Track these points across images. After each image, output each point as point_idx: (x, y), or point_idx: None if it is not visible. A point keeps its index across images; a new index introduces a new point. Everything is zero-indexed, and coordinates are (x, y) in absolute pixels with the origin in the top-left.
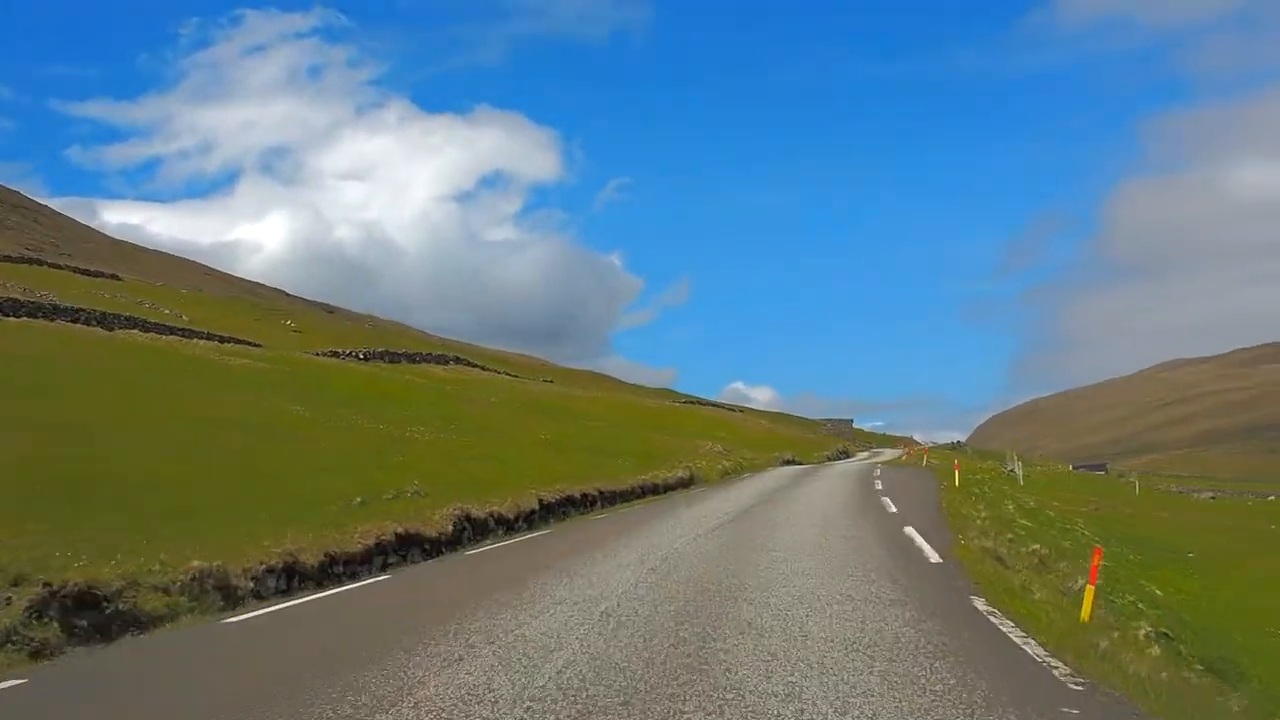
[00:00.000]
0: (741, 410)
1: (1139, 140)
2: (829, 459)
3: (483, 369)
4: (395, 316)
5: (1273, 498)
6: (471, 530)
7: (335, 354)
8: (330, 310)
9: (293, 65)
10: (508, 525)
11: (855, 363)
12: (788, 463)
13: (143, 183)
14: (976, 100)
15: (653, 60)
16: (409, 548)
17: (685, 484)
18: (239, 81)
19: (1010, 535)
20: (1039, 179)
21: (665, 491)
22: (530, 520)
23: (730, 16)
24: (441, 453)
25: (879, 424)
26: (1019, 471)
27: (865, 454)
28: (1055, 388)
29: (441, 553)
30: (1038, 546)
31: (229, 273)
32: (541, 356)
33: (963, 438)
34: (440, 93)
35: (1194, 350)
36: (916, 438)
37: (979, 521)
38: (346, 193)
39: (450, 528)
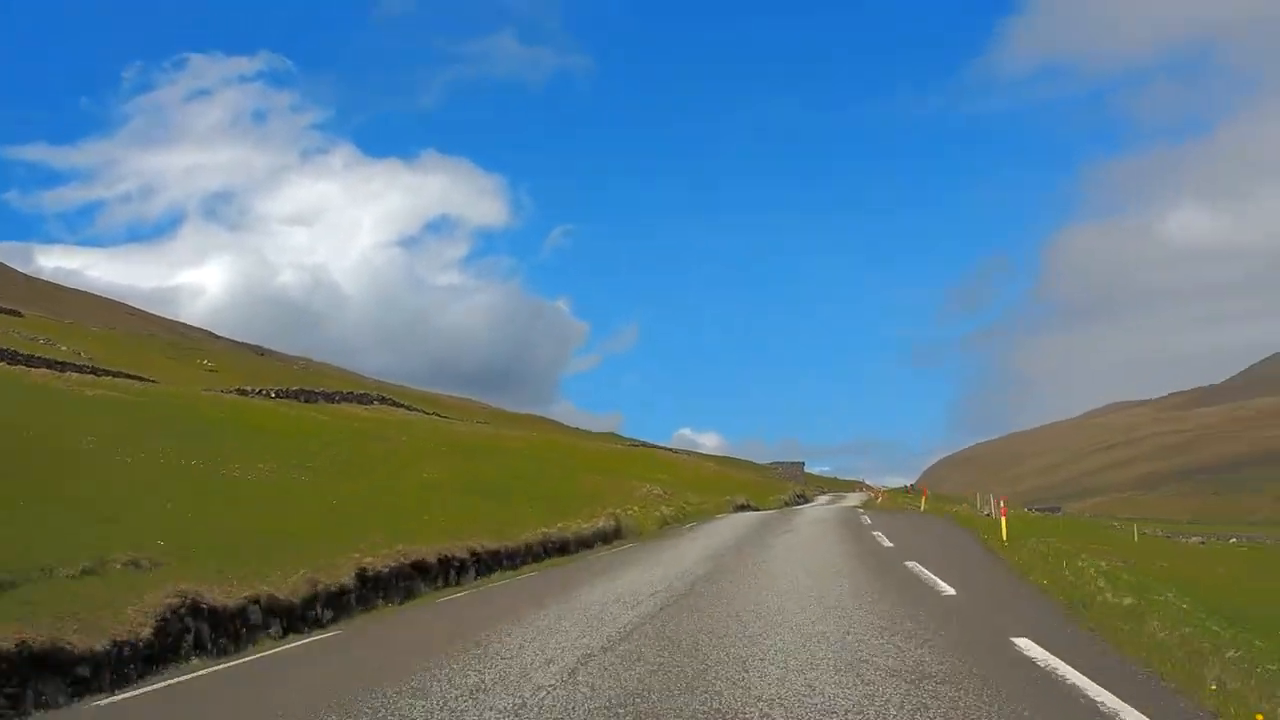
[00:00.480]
0: (689, 453)
1: (1079, 186)
2: (787, 503)
3: (409, 409)
4: (339, 361)
5: (1234, 540)
6: (196, 633)
7: (243, 392)
8: (262, 352)
9: (237, 109)
10: (285, 615)
11: (802, 408)
12: (741, 508)
13: (82, 227)
14: (920, 146)
15: (597, 107)
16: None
17: (609, 537)
18: (182, 125)
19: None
20: (981, 224)
21: (578, 549)
22: (336, 604)
23: (673, 64)
24: (258, 498)
25: (827, 469)
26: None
27: (825, 498)
28: (999, 431)
29: (89, 687)
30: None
31: (164, 315)
32: (486, 401)
33: (910, 481)
34: (385, 138)
35: (1132, 394)
36: (867, 481)
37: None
38: (291, 237)
39: (149, 631)
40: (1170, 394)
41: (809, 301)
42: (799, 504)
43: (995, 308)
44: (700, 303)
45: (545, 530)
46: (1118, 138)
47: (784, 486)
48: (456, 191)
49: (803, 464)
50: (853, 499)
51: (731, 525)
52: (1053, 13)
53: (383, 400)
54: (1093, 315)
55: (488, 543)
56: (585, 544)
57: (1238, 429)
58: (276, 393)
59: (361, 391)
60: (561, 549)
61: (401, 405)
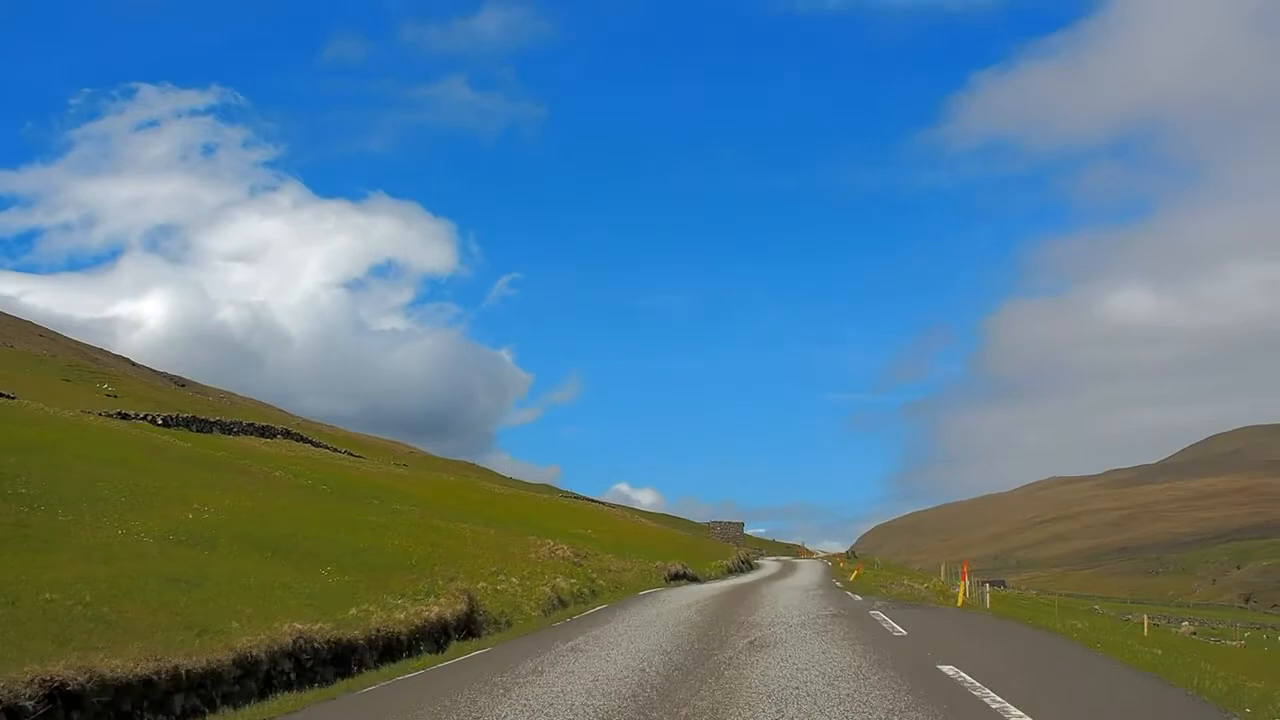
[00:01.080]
0: (625, 509)
1: (1021, 262)
2: (730, 570)
3: (316, 445)
4: (276, 401)
5: (1186, 624)
6: None
7: (124, 415)
8: (182, 384)
9: (186, 142)
10: None
11: (740, 469)
12: (677, 577)
13: (20, 254)
14: (867, 215)
15: (548, 157)
16: None
17: (446, 631)
18: (129, 156)
19: None
20: (924, 296)
21: (373, 655)
22: None
23: (624, 117)
24: None
25: (763, 530)
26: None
27: (772, 563)
28: (936, 501)
29: None
30: None
31: (85, 342)
32: (420, 447)
33: (844, 547)
34: (335, 178)
35: (1071, 470)
36: (806, 545)
37: None
38: (234, 274)
39: None
40: (1109, 471)
41: (752, 362)
42: (743, 570)
43: (935, 379)
44: (644, 358)
45: (309, 626)
46: (1061, 217)
47: (721, 551)
48: (405, 235)
49: (742, 524)
50: (807, 568)
51: (660, 615)
52: (999, 92)
53: (290, 435)
54: (1032, 391)
55: (191, 660)
56: (394, 645)
57: (1175, 509)
58: (165, 420)
59: (267, 424)
60: (337, 659)
61: (310, 441)
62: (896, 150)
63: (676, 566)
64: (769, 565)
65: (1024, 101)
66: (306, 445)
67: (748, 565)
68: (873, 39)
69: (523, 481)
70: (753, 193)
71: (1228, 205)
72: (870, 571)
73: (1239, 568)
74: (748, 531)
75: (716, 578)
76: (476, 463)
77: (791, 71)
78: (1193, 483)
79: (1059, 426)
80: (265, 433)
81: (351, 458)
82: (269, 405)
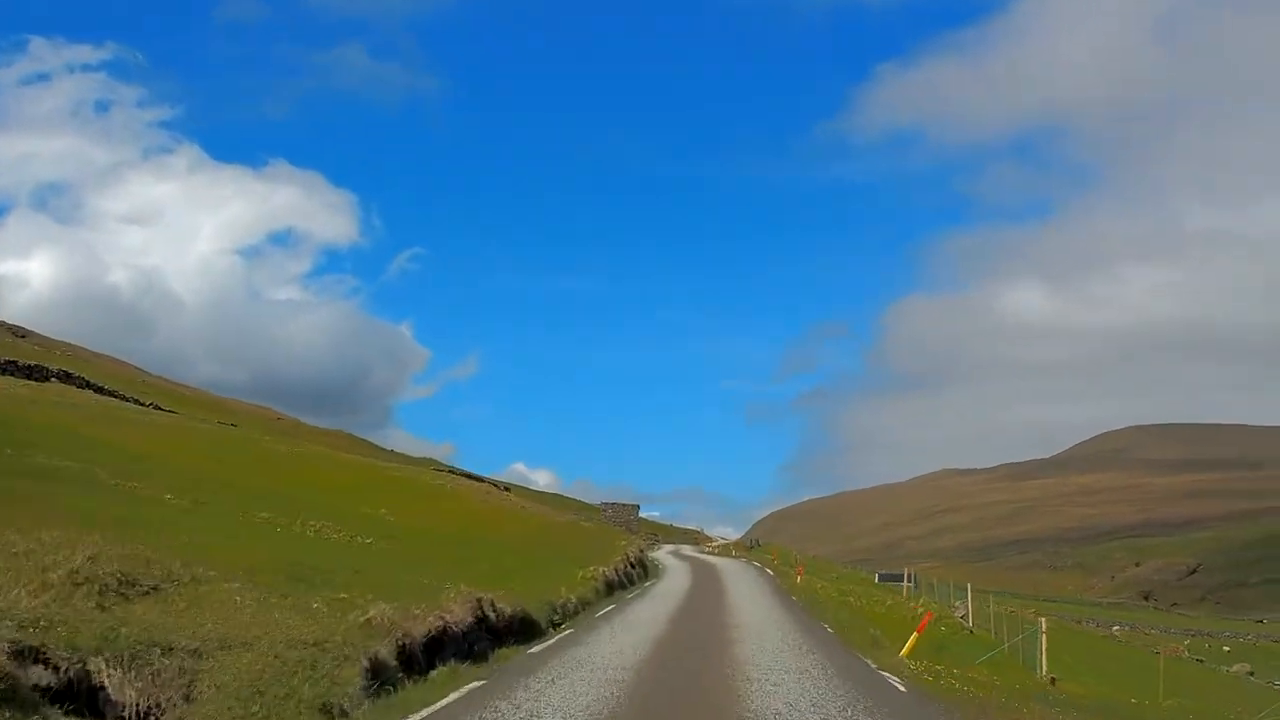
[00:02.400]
0: (506, 488)
1: (918, 258)
2: (612, 584)
3: (101, 391)
4: (169, 370)
5: (1117, 627)
6: None
7: None
8: (22, 334)
9: (78, 99)
10: None
11: (636, 453)
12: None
13: None
14: (766, 206)
15: (451, 131)
16: None
17: None
18: (16, 111)
19: None
20: (820, 288)
21: None
22: None
23: (526, 98)
24: None
25: (657, 514)
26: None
27: (672, 557)
28: (830, 490)
29: None
30: None
31: None
32: (310, 421)
33: (739, 533)
34: (234, 143)
35: (964, 463)
36: (706, 531)
37: None
38: (126, 237)
39: None
40: (1001, 464)
41: (652, 348)
42: (631, 583)
43: (830, 371)
44: (544, 339)
45: None
46: (960, 214)
47: (611, 538)
48: (306, 205)
49: (637, 507)
50: (734, 574)
51: None
52: (903, 85)
53: (67, 378)
54: (926, 385)
55: None
56: None
57: (1065, 504)
58: None
59: (39, 364)
60: None
61: (94, 388)
62: (798, 141)
63: (470, 603)
64: (669, 562)
65: (927, 96)
66: (89, 392)
67: (641, 571)
68: (776, 28)
69: (400, 454)
70: (656, 179)
71: (1124, 208)
72: (820, 579)
73: (1138, 565)
74: (643, 515)
75: (577, 608)
76: (359, 434)
77: (695, 57)
78: (1082, 479)
79: (953, 421)
80: (38, 374)
81: (139, 407)
82: (125, 363)
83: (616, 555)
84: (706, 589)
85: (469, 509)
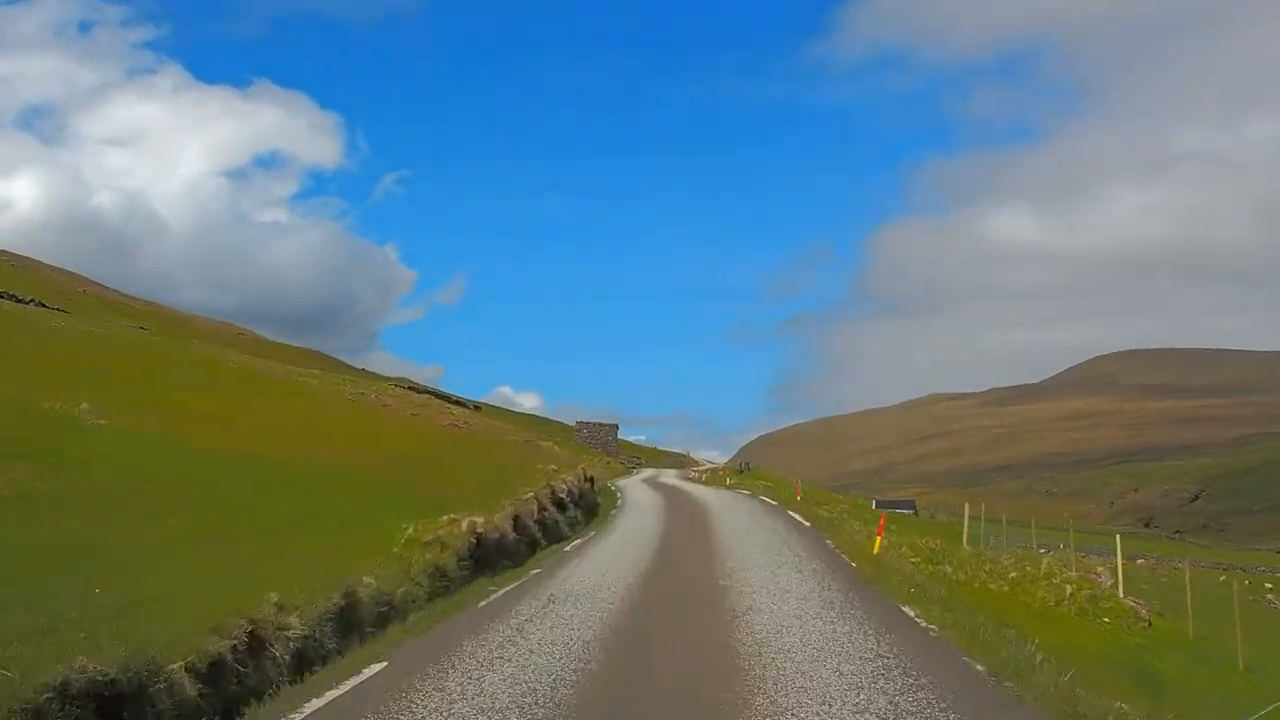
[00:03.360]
0: (476, 407)
1: (906, 181)
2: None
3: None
4: (157, 294)
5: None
6: None
7: None
8: None
9: (60, 19)
10: None
11: (621, 376)
12: None
13: None
14: (754, 127)
15: (438, 52)
16: None
17: None
18: None
19: None
20: (808, 211)
21: None
22: None
23: (510, 18)
24: None
25: (643, 437)
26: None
27: (646, 488)
28: (815, 415)
29: None
30: None
31: None
32: (285, 340)
33: (725, 457)
34: (219, 63)
35: (952, 388)
36: (693, 454)
37: None
38: (110, 158)
39: None
40: (990, 389)
41: (637, 270)
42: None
43: (817, 295)
44: (530, 262)
45: None
46: (947, 136)
47: (584, 458)
48: (291, 126)
49: (616, 428)
50: (739, 512)
51: None
52: (890, 1)
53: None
54: (915, 309)
55: None
56: None
57: (1056, 429)
58: None
59: None
60: None
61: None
62: (785, 61)
63: None
64: (638, 496)
65: (915, 12)
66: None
67: (578, 515)
68: None
69: (370, 373)
70: (641, 100)
71: (1112, 129)
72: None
73: (1136, 491)
74: (626, 438)
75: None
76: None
77: None
78: (1072, 403)
79: (941, 345)
80: None
81: (17, 305)
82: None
83: (526, 489)
84: (685, 566)
85: (311, 415)
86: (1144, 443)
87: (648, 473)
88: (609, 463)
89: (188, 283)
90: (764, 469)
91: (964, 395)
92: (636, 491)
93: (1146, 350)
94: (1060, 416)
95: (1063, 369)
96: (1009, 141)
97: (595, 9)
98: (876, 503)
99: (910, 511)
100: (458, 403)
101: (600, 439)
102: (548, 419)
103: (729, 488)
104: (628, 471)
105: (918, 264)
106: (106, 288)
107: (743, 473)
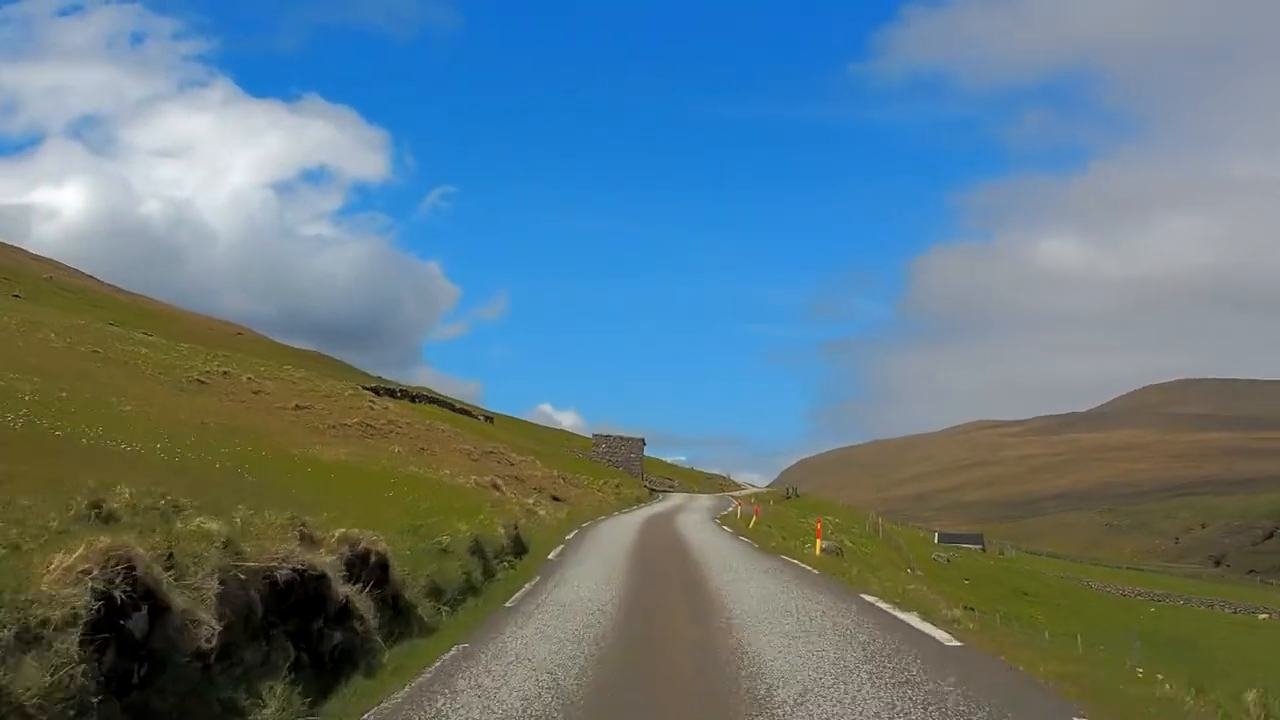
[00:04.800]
0: (488, 418)
1: (951, 205)
2: None
3: None
4: (194, 303)
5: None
6: None
7: None
8: None
9: (112, 30)
10: None
11: (660, 394)
12: None
13: None
14: (797, 150)
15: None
16: None
17: None
18: (51, 41)
19: None
20: (851, 233)
21: None
22: None
23: (553, 42)
24: None
25: (682, 458)
26: None
27: (664, 505)
28: (858, 439)
29: None
30: None
31: None
32: (327, 352)
33: (766, 480)
34: (268, 77)
35: (996, 414)
36: (734, 477)
37: None
38: (159, 169)
39: None
40: (1038, 416)
41: (677, 291)
42: None
43: (861, 318)
44: (573, 281)
45: None
46: (993, 161)
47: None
48: (338, 141)
49: (642, 442)
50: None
51: None
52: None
53: None
54: (958, 334)
55: None
56: None
57: (1111, 458)
58: None
59: None
60: None
61: None
62: (827, 84)
63: None
64: (614, 553)
65: (959, 36)
66: None
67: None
68: None
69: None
70: (683, 120)
71: (1162, 156)
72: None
73: (1204, 526)
74: (662, 457)
75: None
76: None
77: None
78: (1123, 432)
79: (984, 371)
80: None
81: None
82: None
83: None
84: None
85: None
86: (1200, 475)
87: (671, 502)
88: (618, 486)
89: (229, 290)
90: (811, 496)
91: (1010, 422)
92: (601, 551)
93: (1196, 380)
94: (1111, 446)
95: (1110, 398)
96: (1056, 167)
97: (639, 30)
98: (939, 537)
99: (978, 547)
100: (466, 411)
101: (622, 456)
102: (574, 433)
103: (768, 548)
104: (645, 499)
105: (962, 289)
106: (82, 274)
107: (789, 499)
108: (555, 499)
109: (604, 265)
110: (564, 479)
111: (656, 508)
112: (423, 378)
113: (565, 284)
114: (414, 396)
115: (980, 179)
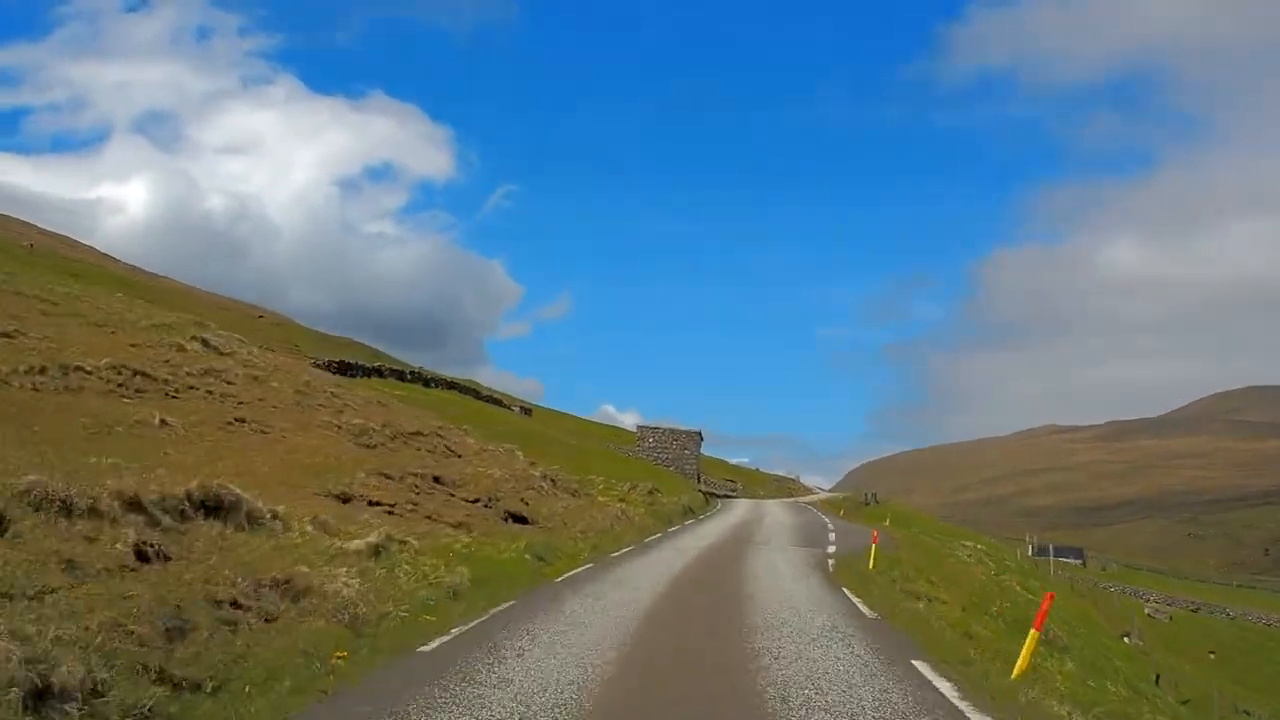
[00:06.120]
0: (526, 409)
1: (1015, 207)
2: None
3: None
4: (260, 297)
5: None
6: None
7: None
8: (30, 246)
9: (178, 26)
10: None
11: (720, 394)
12: None
13: (5, 133)
14: (861, 152)
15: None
16: None
17: None
18: (119, 36)
19: None
20: (915, 235)
21: None
22: None
23: (620, 45)
24: None
25: (745, 459)
26: None
27: (726, 519)
28: (920, 443)
29: None
30: None
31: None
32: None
33: (829, 483)
34: (332, 74)
35: (1063, 419)
36: (804, 480)
37: None
38: (223, 165)
39: None
40: (1109, 422)
41: (740, 292)
42: None
43: (925, 320)
44: (634, 282)
45: None
46: (1059, 163)
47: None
48: (401, 138)
49: (699, 435)
50: None
51: None
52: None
53: None
54: (1023, 338)
55: None
56: None
57: (1185, 465)
58: None
59: None
60: None
61: None
62: (889, 86)
63: None
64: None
65: (1024, 36)
66: None
67: None
68: None
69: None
70: (746, 123)
71: (1230, 158)
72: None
73: None
74: (724, 458)
75: None
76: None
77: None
78: (1195, 439)
79: (1050, 376)
80: None
81: None
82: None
83: None
84: None
85: None
86: (1272, 484)
87: (734, 516)
88: (652, 492)
89: (292, 285)
90: (891, 504)
91: (1079, 428)
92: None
93: (1260, 388)
94: (1184, 453)
95: (1180, 404)
96: (1124, 169)
97: (700, 32)
98: (1034, 549)
99: (1079, 561)
100: (498, 400)
101: (673, 453)
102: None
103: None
104: (699, 509)
105: (1027, 292)
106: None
107: (867, 505)
108: (511, 518)
109: (667, 267)
110: (553, 480)
111: (711, 528)
112: (485, 376)
113: (629, 286)
114: (428, 381)
115: (1045, 181)
